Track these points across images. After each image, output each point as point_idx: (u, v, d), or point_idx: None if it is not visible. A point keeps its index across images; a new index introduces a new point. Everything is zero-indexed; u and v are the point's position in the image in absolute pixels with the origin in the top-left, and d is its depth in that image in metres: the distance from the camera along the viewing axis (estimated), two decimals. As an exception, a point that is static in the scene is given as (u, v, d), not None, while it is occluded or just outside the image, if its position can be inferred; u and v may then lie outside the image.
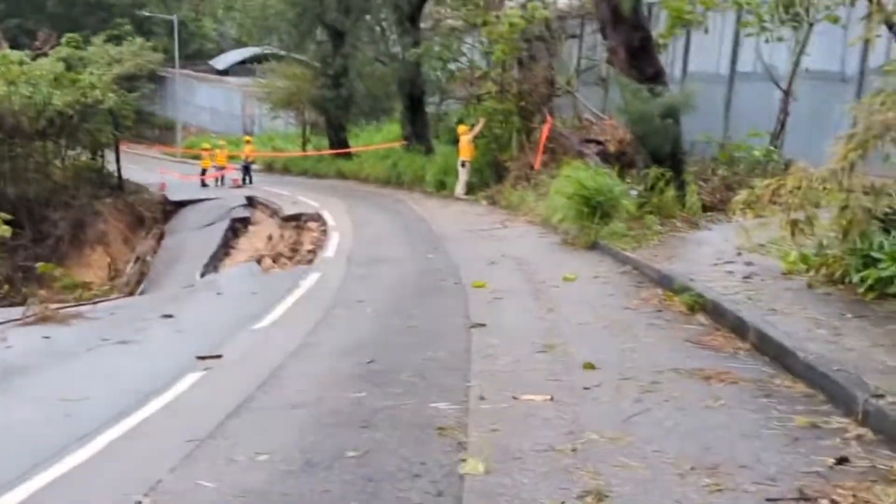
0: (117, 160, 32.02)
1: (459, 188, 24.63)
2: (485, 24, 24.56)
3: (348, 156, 35.85)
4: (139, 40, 32.91)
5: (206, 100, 54.23)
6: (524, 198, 20.21)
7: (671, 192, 14.75)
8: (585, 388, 6.58)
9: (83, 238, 28.39)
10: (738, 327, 7.96)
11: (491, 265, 13.54)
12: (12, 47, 38.97)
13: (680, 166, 15.38)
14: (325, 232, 20.89)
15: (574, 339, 8.34)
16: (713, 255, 11.45)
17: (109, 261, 27.95)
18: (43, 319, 11.48)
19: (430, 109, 32.19)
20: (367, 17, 34.02)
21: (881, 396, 5.36)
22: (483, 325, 9.25)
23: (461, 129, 24.67)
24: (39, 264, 20.11)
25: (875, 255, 8.38)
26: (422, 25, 31.73)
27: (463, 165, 24.53)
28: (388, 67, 32.11)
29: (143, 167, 38.44)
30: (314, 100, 36.74)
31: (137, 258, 28.12)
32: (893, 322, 7.37)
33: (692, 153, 18.68)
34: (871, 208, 8.85)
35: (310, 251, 19.85)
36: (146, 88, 31.08)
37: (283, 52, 41.04)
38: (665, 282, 10.52)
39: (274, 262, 21.29)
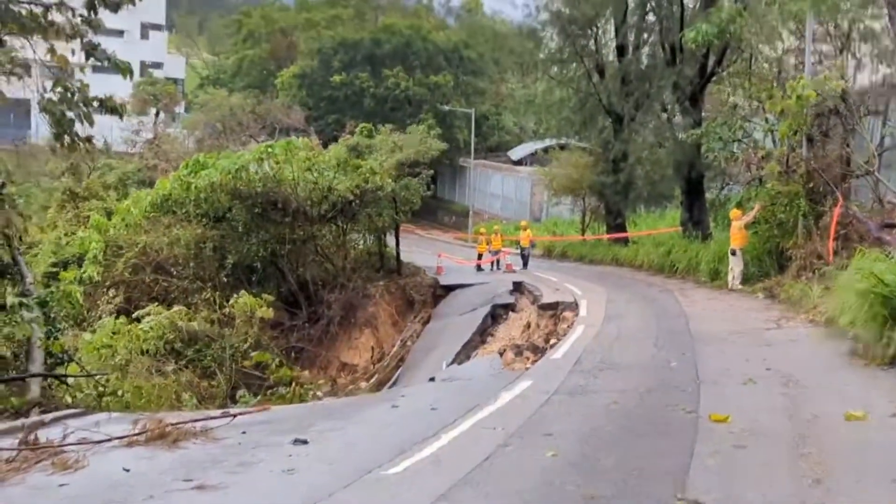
0: (396, 244, 30.53)
1: (731, 278, 20.33)
2: (770, 97, 20.36)
3: (625, 242, 32.16)
4: (421, 128, 31.38)
5: (499, 188, 52.86)
6: (806, 292, 15.62)
7: None
8: None
9: (353, 320, 26.77)
10: None
11: (747, 384, 9.49)
12: (328, 140, 39.44)
13: None
14: (572, 324, 17.37)
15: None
16: None
17: (374, 344, 26.06)
18: (157, 437, 8.81)
19: (710, 194, 27.86)
20: (649, 100, 30.37)
21: None
22: None
23: (734, 213, 20.55)
24: (255, 353, 17.97)
25: None
26: (707, 105, 27.79)
27: (734, 254, 20.27)
28: (665, 150, 28.25)
29: (433, 251, 37.05)
30: (593, 185, 33.65)
31: (402, 342, 26.06)
32: None
33: None
34: None
35: (553, 345, 16.44)
36: (426, 175, 29.14)
37: (569, 141, 38.51)
38: None
39: (517, 355, 18.09)
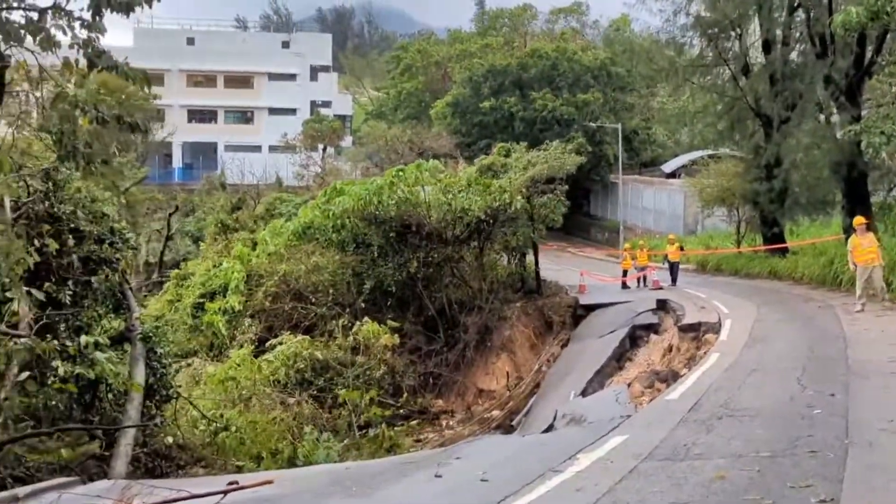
0: (535, 262, 28.06)
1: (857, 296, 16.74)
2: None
3: (783, 253, 28.22)
4: (555, 143, 28.74)
5: (651, 202, 49.17)
6: None
7: None
8: None
9: (489, 344, 24.53)
10: None
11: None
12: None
13: None
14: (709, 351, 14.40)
15: None
16: None
17: (510, 368, 23.68)
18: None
19: (878, 197, 23.76)
20: (801, 99, 26.42)
21: None
22: None
23: (857, 220, 17.34)
24: (343, 391, 15.85)
25: None
26: (869, 99, 23.77)
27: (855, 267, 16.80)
28: (821, 151, 24.33)
29: (585, 269, 34.14)
30: (746, 194, 29.91)
31: (539, 367, 23.53)
32: None
33: None
34: None
35: (683, 377, 13.53)
36: (561, 190, 26.55)
37: (720, 150, 34.84)
38: None
39: (648, 387, 15.25)
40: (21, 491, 7.84)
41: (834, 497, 5.48)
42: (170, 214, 43.46)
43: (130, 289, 15.41)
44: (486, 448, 10.05)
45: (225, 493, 7.06)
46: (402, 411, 22.01)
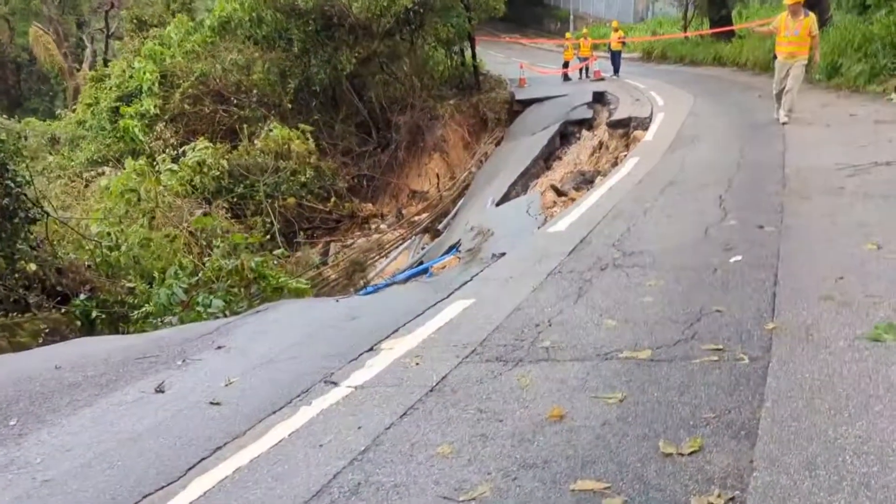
0: (473, 55, 24.55)
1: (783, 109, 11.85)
2: None
3: (729, 38, 24.76)
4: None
5: (602, -12, 44.31)
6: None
7: None
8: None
9: (422, 144, 21.65)
10: None
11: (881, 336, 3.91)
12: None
13: None
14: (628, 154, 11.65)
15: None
16: None
17: (443, 169, 20.97)
18: None
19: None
20: None
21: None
22: None
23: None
24: (194, 218, 12.88)
25: None
26: None
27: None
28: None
29: (534, 61, 30.54)
30: (695, -27, 25.99)
31: (470, 168, 20.81)
32: None
33: None
34: None
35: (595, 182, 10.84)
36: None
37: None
38: None
39: (561, 194, 12.64)
40: None
41: (740, 486, 2.83)
42: (106, 11, 38.66)
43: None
44: (268, 325, 6.24)
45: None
46: (332, 216, 19.75)
